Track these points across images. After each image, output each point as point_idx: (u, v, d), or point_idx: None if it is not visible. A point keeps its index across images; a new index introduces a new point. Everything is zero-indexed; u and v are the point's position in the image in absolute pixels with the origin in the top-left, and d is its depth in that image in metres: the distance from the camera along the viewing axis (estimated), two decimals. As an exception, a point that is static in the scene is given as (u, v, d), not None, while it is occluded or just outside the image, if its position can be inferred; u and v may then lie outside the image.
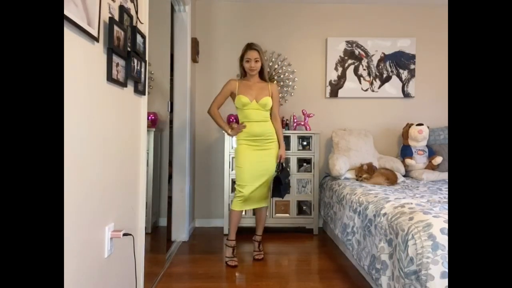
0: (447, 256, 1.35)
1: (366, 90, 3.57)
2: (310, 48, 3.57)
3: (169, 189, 2.88)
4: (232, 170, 3.11)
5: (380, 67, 3.56)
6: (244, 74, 2.61)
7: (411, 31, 3.58)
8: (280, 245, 2.95)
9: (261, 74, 2.58)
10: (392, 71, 3.57)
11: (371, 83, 3.57)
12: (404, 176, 3.22)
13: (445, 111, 3.59)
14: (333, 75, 3.54)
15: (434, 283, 1.33)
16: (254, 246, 2.65)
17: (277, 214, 3.22)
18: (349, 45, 3.54)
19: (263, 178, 2.50)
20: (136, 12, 1.61)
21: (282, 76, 3.53)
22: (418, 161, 3.25)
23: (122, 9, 1.41)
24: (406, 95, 3.58)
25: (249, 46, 2.51)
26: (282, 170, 2.55)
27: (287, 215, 3.22)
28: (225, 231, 3.18)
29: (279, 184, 2.48)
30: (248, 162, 2.48)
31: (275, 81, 3.47)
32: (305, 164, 3.32)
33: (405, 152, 3.33)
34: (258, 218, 2.67)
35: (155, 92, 2.48)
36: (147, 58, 1.71)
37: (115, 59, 1.33)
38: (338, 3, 3.54)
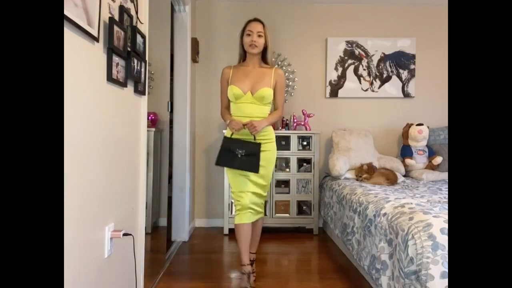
0: (447, 256, 1.35)
1: (366, 90, 3.57)
2: (310, 48, 3.57)
3: (169, 189, 2.87)
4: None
5: (380, 67, 3.56)
6: (243, 56, 2.10)
7: (411, 31, 3.58)
8: (280, 245, 2.95)
9: (264, 56, 2.08)
10: (392, 71, 3.57)
11: (371, 83, 3.56)
12: (404, 176, 3.22)
13: (445, 111, 3.59)
14: (333, 75, 3.54)
15: (434, 283, 1.33)
16: None
17: (277, 214, 3.21)
18: (349, 45, 3.54)
19: (257, 185, 2.02)
20: (136, 12, 1.61)
21: (282, 76, 3.53)
22: (418, 161, 3.25)
23: (122, 9, 1.41)
24: (406, 95, 3.58)
25: (253, 19, 2.04)
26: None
27: (287, 215, 3.22)
28: (225, 231, 3.19)
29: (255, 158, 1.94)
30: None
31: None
32: (305, 164, 3.32)
33: (405, 152, 3.33)
34: (253, 230, 2.10)
35: (155, 92, 2.48)
36: (147, 58, 1.71)
37: (115, 59, 1.33)
38: (338, 3, 3.54)
